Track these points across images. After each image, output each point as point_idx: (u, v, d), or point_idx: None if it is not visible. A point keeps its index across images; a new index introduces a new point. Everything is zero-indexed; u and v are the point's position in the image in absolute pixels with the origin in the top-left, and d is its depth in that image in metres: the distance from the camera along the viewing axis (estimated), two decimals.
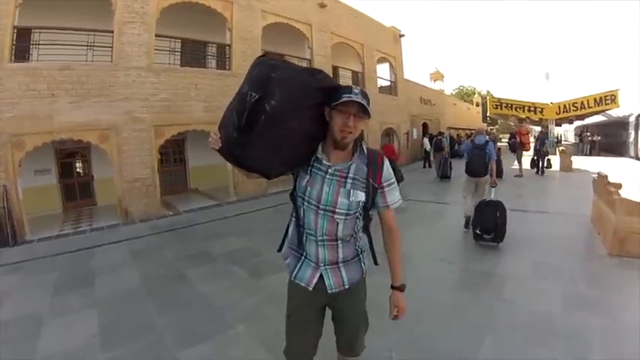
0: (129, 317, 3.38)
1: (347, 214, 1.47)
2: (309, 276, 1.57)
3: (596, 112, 21.46)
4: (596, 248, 4.56)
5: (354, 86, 1.43)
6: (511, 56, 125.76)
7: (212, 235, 6.14)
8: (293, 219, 1.63)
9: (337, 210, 1.46)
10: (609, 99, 19.47)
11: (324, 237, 1.50)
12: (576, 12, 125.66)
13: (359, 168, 1.49)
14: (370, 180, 1.48)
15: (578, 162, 13.52)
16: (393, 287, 1.60)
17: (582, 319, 2.91)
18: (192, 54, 9.67)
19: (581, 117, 23.09)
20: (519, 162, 11.43)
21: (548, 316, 2.99)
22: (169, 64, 8.83)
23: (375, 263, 1.63)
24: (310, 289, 1.56)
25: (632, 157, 18.85)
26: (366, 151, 1.54)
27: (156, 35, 7.99)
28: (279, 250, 1.73)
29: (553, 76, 55.54)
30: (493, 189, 5.26)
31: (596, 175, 5.64)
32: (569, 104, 20.64)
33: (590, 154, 21.42)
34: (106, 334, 3.07)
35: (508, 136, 12.12)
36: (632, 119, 20.16)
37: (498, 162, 7.87)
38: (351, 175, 1.48)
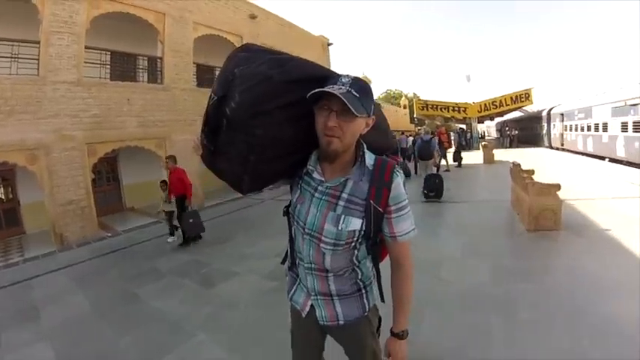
0: (87, 344, 3.26)
1: (336, 245, 1.16)
2: (302, 302, 1.36)
3: (514, 109, 24.06)
4: (516, 227, 5.26)
5: (346, 75, 1.10)
6: (435, 60, 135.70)
7: (155, 252, 5.98)
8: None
9: (323, 238, 1.17)
10: (524, 97, 21.90)
11: (312, 265, 1.25)
12: (492, 17, 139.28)
13: (357, 185, 1.15)
14: (372, 202, 1.12)
15: (500, 155, 15.03)
16: (391, 332, 1.29)
17: (508, 286, 3.41)
18: (123, 67, 9.28)
19: (501, 114, 25.66)
20: (445, 158, 12.55)
21: (479, 286, 3.46)
22: (100, 77, 8.38)
23: (382, 300, 1.34)
24: (303, 315, 1.35)
25: (546, 147, 21.51)
26: (372, 161, 1.18)
27: (85, 47, 7.58)
28: (283, 262, 1.48)
29: (473, 78, 60.95)
30: (434, 167, 8.83)
31: (511, 165, 6.48)
32: (488, 103, 22.80)
33: (511, 147, 23.95)
34: None
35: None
36: (544, 114, 23.05)
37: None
38: (345, 194, 1.15)
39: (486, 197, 7.71)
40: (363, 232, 1.16)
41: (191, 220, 6.09)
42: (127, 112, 8.46)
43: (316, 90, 1.02)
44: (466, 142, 21.90)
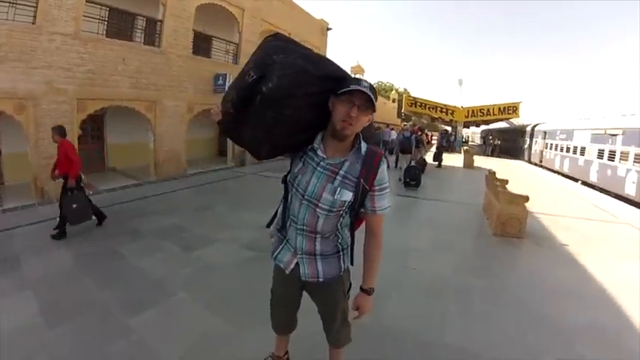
0: (68, 295, 3.27)
1: (329, 211, 1.44)
2: (287, 260, 1.61)
3: (500, 120, 24.62)
4: (484, 230, 5.64)
5: (363, 79, 1.41)
6: (429, 59, 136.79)
7: (137, 213, 5.99)
8: (282, 202, 1.66)
9: (320, 204, 1.44)
10: (511, 109, 22.48)
11: (304, 227, 1.50)
12: (488, 26, 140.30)
13: (352, 166, 1.44)
14: (362, 181, 1.42)
15: (480, 161, 15.48)
16: (361, 288, 1.59)
17: (468, 280, 3.76)
18: (120, 25, 9.05)
19: (487, 122, 26.20)
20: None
21: (442, 278, 3.80)
22: (97, 33, 8.20)
23: (351, 263, 1.67)
24: (287, 272, 1.61)
25: (525, 161, 22.30)
26: (364, 149, 1.46)
27: (86, 0, 7.41)
28: (268, 226, 1.75)
29: (465, 83, 61.90)
30: (412, 160, 9.71)
31: (487, 172, 6.85)
32: (476, 109, 23.31)
33: (492, 155, 24.61)
34: (49, 312, 2.98)
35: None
36: (528, 129, 23.76)
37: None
38: (342, 172, 1.44)
39: (460, 199, 8.11)
40: (350, 204, 1.45)
41: (74, 206, 4.89)
42: (121, 72, 8.36)
43: (354, 87, 1.32)
44: (448, 144, 22.41)
